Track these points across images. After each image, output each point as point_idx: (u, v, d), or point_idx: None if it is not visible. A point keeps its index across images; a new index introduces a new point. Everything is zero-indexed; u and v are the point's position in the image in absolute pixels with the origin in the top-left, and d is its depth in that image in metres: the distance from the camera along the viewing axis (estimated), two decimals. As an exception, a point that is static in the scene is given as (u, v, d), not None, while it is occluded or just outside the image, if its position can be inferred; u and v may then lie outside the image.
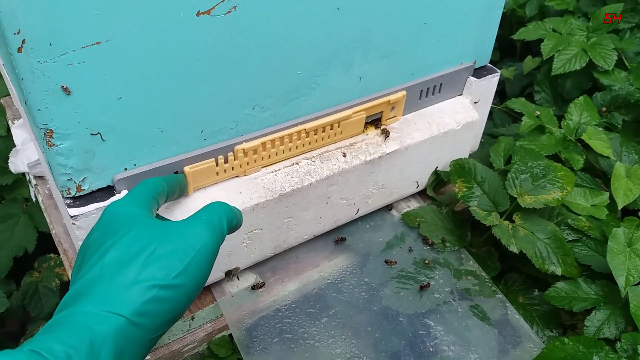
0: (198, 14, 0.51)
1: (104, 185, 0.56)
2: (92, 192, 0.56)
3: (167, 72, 0.52)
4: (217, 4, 0.51)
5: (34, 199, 0.94)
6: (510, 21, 1.41)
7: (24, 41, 0.44)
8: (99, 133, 0.52)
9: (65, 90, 0.48)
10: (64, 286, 1.06)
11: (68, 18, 0.45)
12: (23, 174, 0.96)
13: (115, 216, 0.45)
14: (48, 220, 0.81)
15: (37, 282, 1.03)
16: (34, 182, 0.87)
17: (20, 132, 0.91)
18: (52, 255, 1.09)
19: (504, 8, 1.35)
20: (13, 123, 0.94)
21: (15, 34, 0.43)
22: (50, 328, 0.37)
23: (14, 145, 0.91)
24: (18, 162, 0.89)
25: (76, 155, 0.52)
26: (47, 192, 0.83)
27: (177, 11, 0.50)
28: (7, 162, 0.92)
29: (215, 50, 0.54)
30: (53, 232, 0.79)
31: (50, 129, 0.50)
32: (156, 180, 0.52)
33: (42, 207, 0.83)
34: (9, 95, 1.01)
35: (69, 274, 0.73)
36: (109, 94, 0.51)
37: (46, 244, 1.07)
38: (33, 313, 1.02)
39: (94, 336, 0.36)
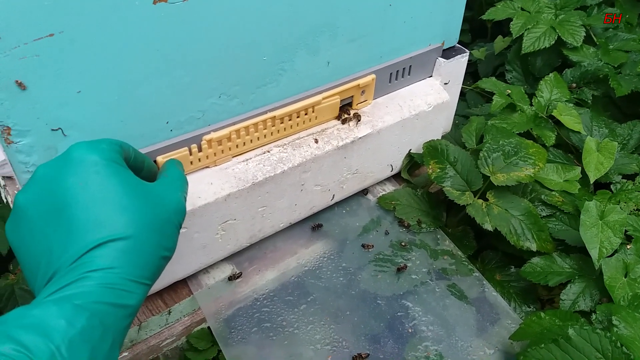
0: (155, 1, 0.50)
1: (69, 182, 0.55)
2: (57, 190, 0.55)
3: (127, 63, 0.51)
4: (174, -9, 0.50)
5: (4, 200, 0.91)
6: (480, 2, 1.41)
7: (-28, 35, 0.43)
8: (59, 128, 0.51)
9: (20, 85, 0.47)
10: (41, 288, 1.04)
11: (17, 10, 0.43)
12: (-9, 175, 0.94)
13: (101, 169, 0.43)
14: (18, 222, 0.79)
15: (13, 285, 1.01)
16: (2, 182, 0.85)
17: (-15, 133, 0.89)
18: (27, 257, 1.06)
19: (474, -11, 1.35)
20: (-22, 124, 0.92)
21: (-38, 28, 0.42)
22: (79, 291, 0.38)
23: (-20, 147, 0.89)
24: (-15, 164, 0.87)
25: (37, 152, 0.51)
26: (16, 192, 0.81)
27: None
28: (-26, 165, 0.90)
29: (175, 39, 0.53)
30: (24, 233, 0.77)
31: (8, 126, 0.48)
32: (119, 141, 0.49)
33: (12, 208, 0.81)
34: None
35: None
36: (67, 87, 0.49)
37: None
38: (10, 316, 1.00)
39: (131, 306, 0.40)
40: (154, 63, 0.53)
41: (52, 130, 0.51)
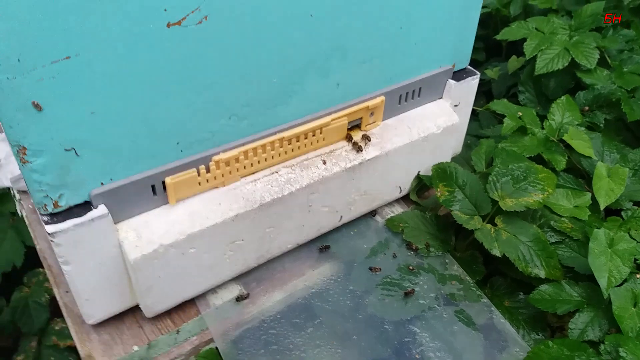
0: (168, 25, 0.51)
1: (81, 201, 0.56)
2: (70, 208, 0.56)
3: (140, 85, 0.52)
4: (187, 15, 0.51)
5: (19, 214, 0.93)
6: (495, 20, 1.41)
7: (-9, 59, 0.44)
8: (73, 148, 0.52)
9: (37, 106, 0.48)
10: (53, 301, 1.05)
11: (36, 34, 0.44)
12: (8, 188, 0.95)
13: None
14: (33, 236, 0.80)
15: (27, 298, 1.03)
16: (18, 196, 0.86)
17: (3, 146, 0.91)
18: (40, 269, 1.08)
19: (489, 8, 1.35)
20: (-5, 137, 0.94)
21: (-19, 52, 0.43)
22: None
23: (-3, 160, 0.91)
24: (2, 177, 0.89)
25: (51, 172, 0.52)
26: (30, 207, 0.83)
27: (148, 23, 0.50)
28: (-10, 177, 0.92)
29: (188, 61, 0.54)
30: (38, 247, 0.79)
31: (23, 146, 0.49)
32: None
33: (27, 222, 0.82)
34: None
35: (54, 289, 0.73)
36: (81, 108, 0.50)
37: (34, 257, 1.06)
38: (24, 329, 1.02)
39: None
40: (166, 85, 0.54)
41: (66, 150, 0.52)
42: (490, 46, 1.43)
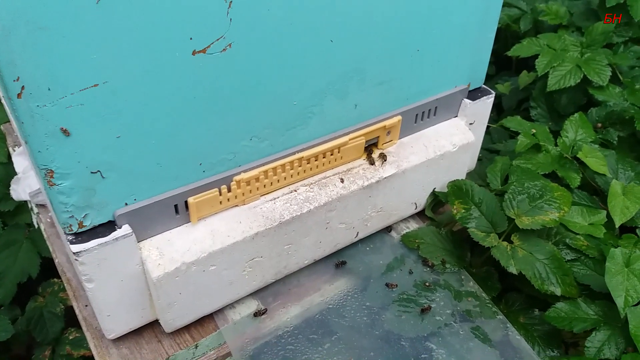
0: (194, 53, 0.52)
1: (105, 221, 0.57)
2: (94, 228, 0.57)
3: (165, 110, 0.53)
4: (212, 43, 0.52)
5: (36, 226, 0.94)
6: (505, 35, 1.42)
7: (23, 87, 0.45)
8: (98, 171, 0.53)
9: (65, 132, 0.49)
10: (68, 311, 1.06)
11: (66, 63, 0.46)
12: (25, 200, 0.97)
13: None
14: (51, 249, 0.81)
15: (42, 308, 1.04)
16: (35, 210, 0.88)
17: (20, 160, 0.92)
18: (55, 280, 1.09)
19: (499, 23, 1.36)
20: (14, 150, 0.96)
21: (14, 80, 0.45)
22: None
23: (15, 173, 0.92)
24: (20, 190, 0.90)
25: (77, 193, 0.53)
26: (49, 220, 0.84)
27: (173, 51, 0.51)
28: (9, 189, 0.93)
29: (212, 87, 0.55)
30: (56, 261, 0.80)
31: (51, 170, 0.51)
32: None
33: (45, 235, 0.84)
34: (9, 122, 1.02)
35: (73, 302, 0.74)
36: (107, 133, 0.52)
37: (49, 268, 1.07)
38: (38, 338, 1.03)
39: None
40: (191, 109, 0.55)
41: (92, 173, 0.53)
42: (500, 60, 1.43)
